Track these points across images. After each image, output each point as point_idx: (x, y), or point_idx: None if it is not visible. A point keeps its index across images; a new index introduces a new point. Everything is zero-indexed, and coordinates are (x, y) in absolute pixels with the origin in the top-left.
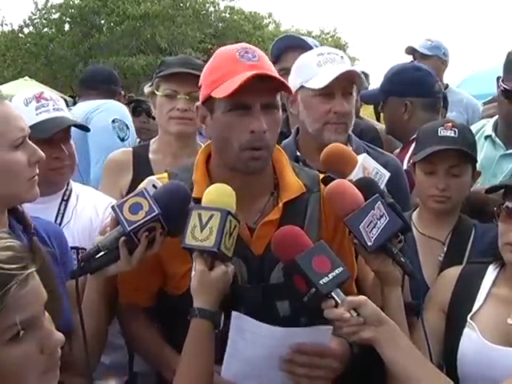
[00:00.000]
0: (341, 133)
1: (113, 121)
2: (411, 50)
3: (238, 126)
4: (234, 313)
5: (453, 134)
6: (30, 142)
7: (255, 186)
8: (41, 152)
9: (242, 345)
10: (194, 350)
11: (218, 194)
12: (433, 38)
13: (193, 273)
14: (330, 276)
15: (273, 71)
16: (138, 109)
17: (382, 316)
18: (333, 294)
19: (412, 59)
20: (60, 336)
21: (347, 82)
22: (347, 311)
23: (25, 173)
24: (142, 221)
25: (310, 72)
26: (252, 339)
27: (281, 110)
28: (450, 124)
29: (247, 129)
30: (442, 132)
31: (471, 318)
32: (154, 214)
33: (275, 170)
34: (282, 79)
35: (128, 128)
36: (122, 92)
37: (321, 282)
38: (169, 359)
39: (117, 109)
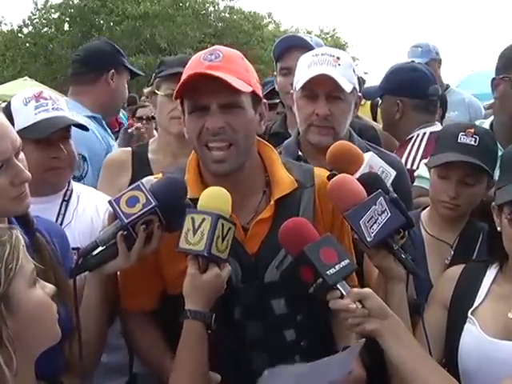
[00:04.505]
0: (325, 135)
1: None
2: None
3: (196, 126)
4: (265, 373)
5: (473, 142)
6: (17, 163)
7: (246, 186)
8: (26, 173)
9: None
10: (187, 351)
11: (212, 197)
12: (420, 43)
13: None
14: (337, 267)
15: (236, 71)
16: None
17: (387, 310)
18: (338, 285)
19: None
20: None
21: (333, 86)
22: (352, 302)
23: (8, 194)
24: (139, 213)
25: (301, 72)
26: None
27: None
28: (471, 130)
29: (203, 126)
30: (462, 138)
31: (472, 314)
32: (150, 206)
33: (266, 168)
34: (227, 79)
35: (86, 159)
36: (111, 72)
37: (328, 272)
38: (169, 372)
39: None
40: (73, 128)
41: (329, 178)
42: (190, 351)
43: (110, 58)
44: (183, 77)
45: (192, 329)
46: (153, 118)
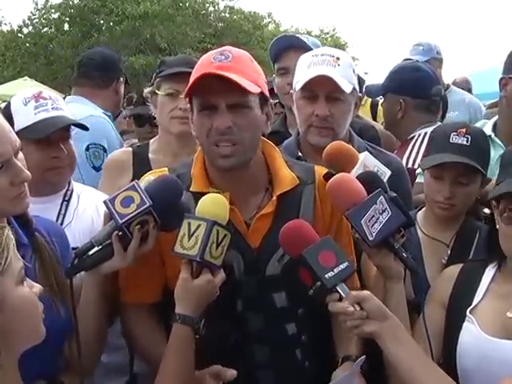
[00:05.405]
0: (325, 136)
1: (86, 148)
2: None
3: (205, 125)
4: None
5: (465, 142)
6: (17, 162)
7: (250, 183)
8: (26, 172)
9: None
10: (173, 354)
11: (210, 203)
12: (421, 41)
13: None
14: (336, 270)
15: (245, 72)
16: (141, 119)
17: (386, 311)
18: (337, 288)
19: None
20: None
21: (333, 87)
22: (351, 305)
23: (7, 194)
24: (134, 213)
25: (300, 73)
26: None
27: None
28: (463, 130)
29: (212, 126)
30: (453, 138)
31: (470, 312)
32: (145, 206)
33: (268, 166)
34: (237, 80)
35: (106, 151)
36: (121, 79)
37: (326, 276)
38: None
39: (92, 130)
40: (94, 120)
41: (326, 177)
42: (175, 355)
43: (118, 66)
44: (193, 75)
45: (180, 333)
46: (153, 117)
